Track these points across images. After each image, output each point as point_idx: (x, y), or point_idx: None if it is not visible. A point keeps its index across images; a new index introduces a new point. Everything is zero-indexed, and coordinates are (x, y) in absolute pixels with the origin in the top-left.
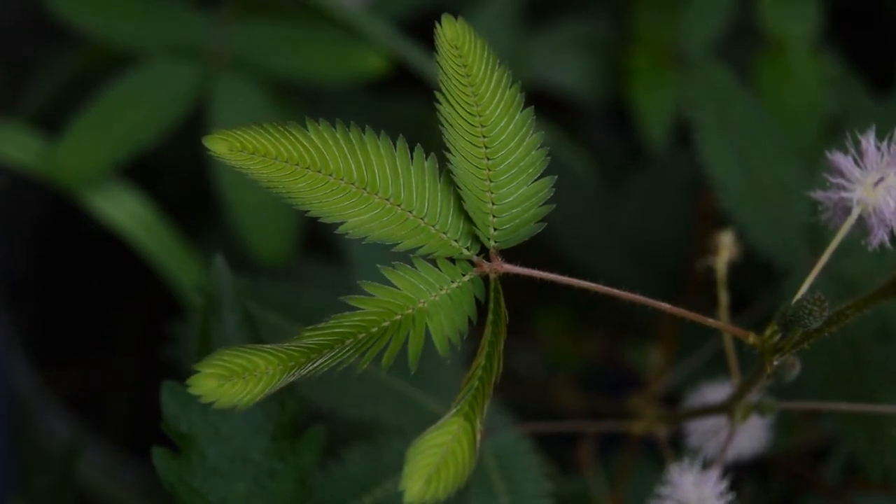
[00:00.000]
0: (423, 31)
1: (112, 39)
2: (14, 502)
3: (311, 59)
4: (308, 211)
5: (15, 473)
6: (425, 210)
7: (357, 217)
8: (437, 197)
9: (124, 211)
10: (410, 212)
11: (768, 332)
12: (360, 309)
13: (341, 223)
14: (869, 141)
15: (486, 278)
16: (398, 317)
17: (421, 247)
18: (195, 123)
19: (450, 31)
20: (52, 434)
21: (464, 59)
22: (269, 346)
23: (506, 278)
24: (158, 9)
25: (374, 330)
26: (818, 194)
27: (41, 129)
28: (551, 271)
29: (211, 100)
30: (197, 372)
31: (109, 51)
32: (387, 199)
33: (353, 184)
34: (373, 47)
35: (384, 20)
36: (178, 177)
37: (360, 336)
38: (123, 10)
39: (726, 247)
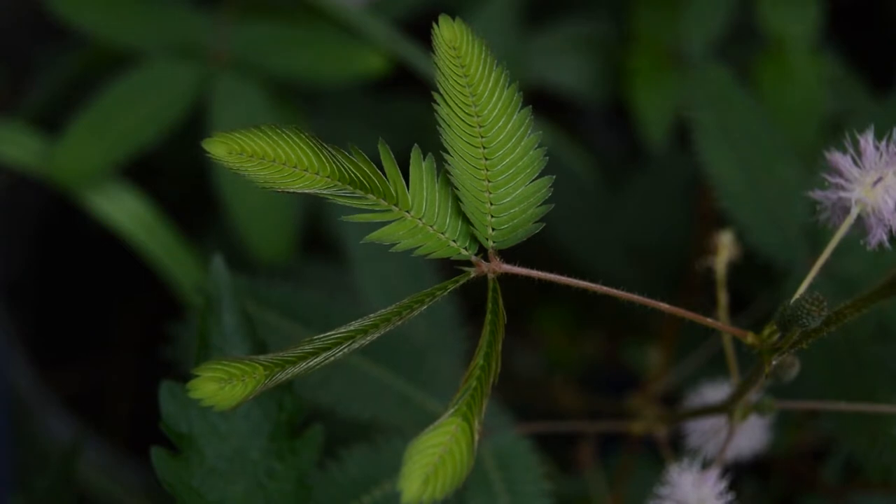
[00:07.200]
0: (423, 31)
1: (112, 39)
2: (14, 502)
3: (311, 59)
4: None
5: (15, 473)
6: (423, 211)
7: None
8: (435, 197)
9: (124, 211)
10: (408, 212)
11: (767, 331)
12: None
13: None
14: (867, 140)
15: (484, 278)
16: (397, 321)
17: (419, 247)
18: (195, 123)
19: (447, 31)
20: (52, 434)
21: (461, 59)
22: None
23: (505, 279)
24: (158, 9)
25: (371, 332)
26: (817, 194)
27: (41, 129)
28: (551, 271)
29: (211, 100)
30: (196, 375)
31: (109, 51)
32: (383, 201)
33: (349, 186)
34: (373, 47)
35: (384, 20)
36: (178, 177)
37: (358, 338)
38: (123, 10)
39: (725, 247)
